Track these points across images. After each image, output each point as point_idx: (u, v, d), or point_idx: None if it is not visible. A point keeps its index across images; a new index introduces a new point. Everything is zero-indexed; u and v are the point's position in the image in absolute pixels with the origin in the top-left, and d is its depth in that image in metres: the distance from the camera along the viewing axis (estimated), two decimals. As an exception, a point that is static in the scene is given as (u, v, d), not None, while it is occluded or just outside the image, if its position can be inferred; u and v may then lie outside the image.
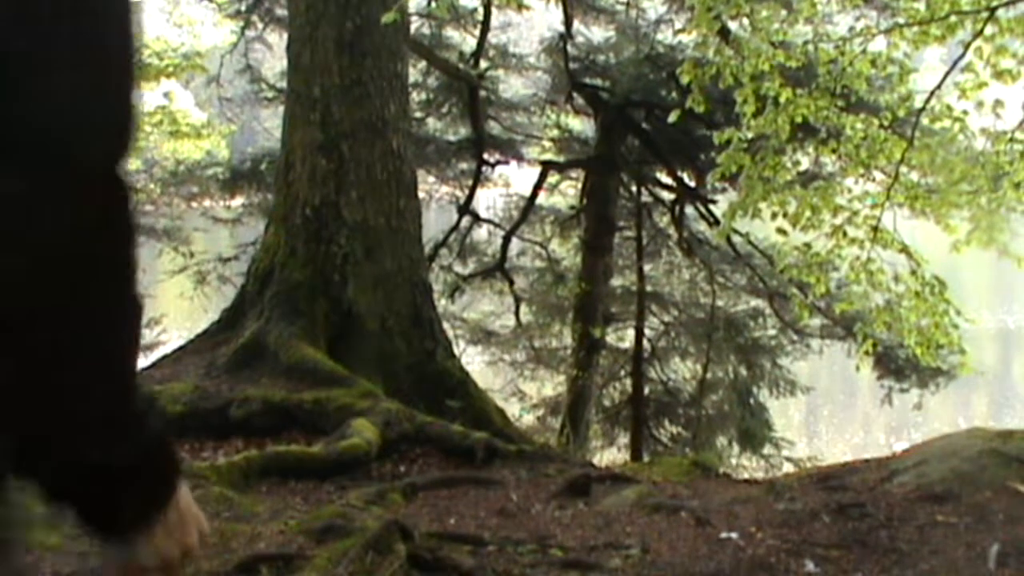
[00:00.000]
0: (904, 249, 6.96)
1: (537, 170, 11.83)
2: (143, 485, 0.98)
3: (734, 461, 10.87)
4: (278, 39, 12.07)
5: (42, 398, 0.87)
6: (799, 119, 6.41)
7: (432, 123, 12.12)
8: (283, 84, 9.22)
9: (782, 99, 6.30)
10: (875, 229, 6.80)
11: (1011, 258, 7.59)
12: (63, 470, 0.93)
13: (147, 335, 13.80)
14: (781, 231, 6.96)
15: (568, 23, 10.95)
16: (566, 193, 12.96)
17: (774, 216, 6.81)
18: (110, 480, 0.95)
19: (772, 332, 11.26)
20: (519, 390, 12.28)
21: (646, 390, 11.53)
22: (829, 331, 10.56)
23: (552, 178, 12.22)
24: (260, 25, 12.19)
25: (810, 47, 6.37)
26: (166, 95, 12.64)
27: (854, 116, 6.83)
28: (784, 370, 11.16)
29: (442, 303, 8.86)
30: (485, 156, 11.50)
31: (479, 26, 11.04)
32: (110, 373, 0.91)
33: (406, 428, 5.76)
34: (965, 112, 6.34)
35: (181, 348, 7.49)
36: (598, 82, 11.09)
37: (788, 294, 8.95)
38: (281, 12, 11.32)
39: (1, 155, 0.80)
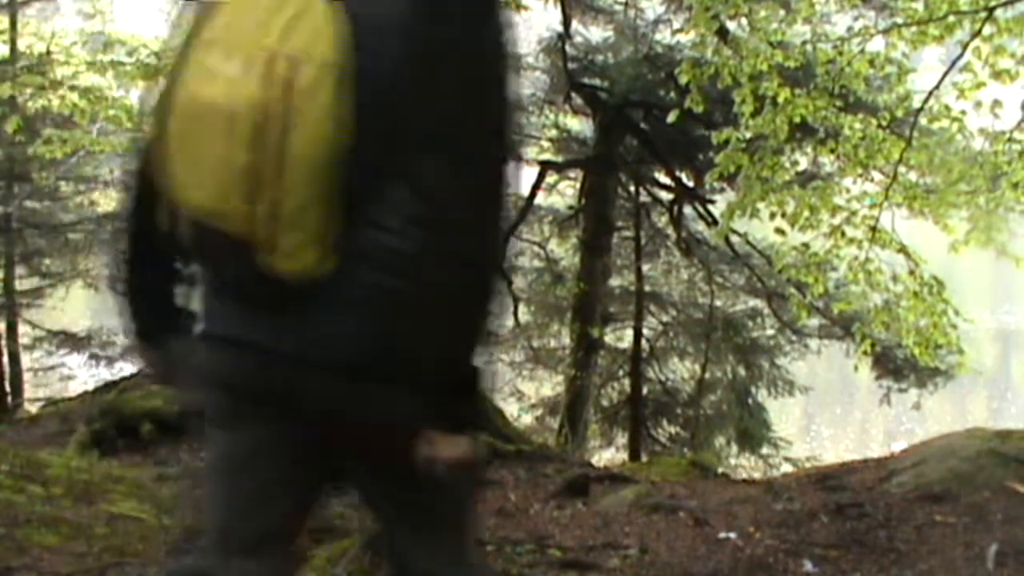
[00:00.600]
0: (902, 249, 6.97)
1: (535, 170, 11.82)
2: (474, 400, 1.53)
3: (732, 461, 10.88)
4: (277, 39, 12.06)
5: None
6: (797, 119, 6.41)
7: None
8: (281, 84, 9.20)
9: (780, 99, 6.30)
10: (873, 229, 6.80)
11: (1009, 258, 7.60)
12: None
13: (145, 335, 13.79)
14: (779, 231, 6.96)
15: (566, 23, 10.94)
16: (564, 193, 12.96)
17: (772, 216, 6.81)
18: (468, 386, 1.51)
19: (770, 332, 11.26)
20: (517, 390, 12.28)
21: (644, 390, 11.53)
22: (827, 331, 10.57)
23: (550, 178, 12.22)
24: (258, 25, 12.18)
25: (808, 47, 6.37)
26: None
27: (852, 116, 6.83)
28: (782, 370, 11.16)
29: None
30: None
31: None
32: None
33: (405, 428, 5.76)
34: (963, 112, 6.34)
35: (179, 348, 7.49)
36: (596, 82, 11.09)
37: (786, 294, 8.96)
38: (279, 12, 11.31)
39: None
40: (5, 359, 12.76)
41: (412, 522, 1.68)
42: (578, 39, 11.24)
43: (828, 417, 19.20)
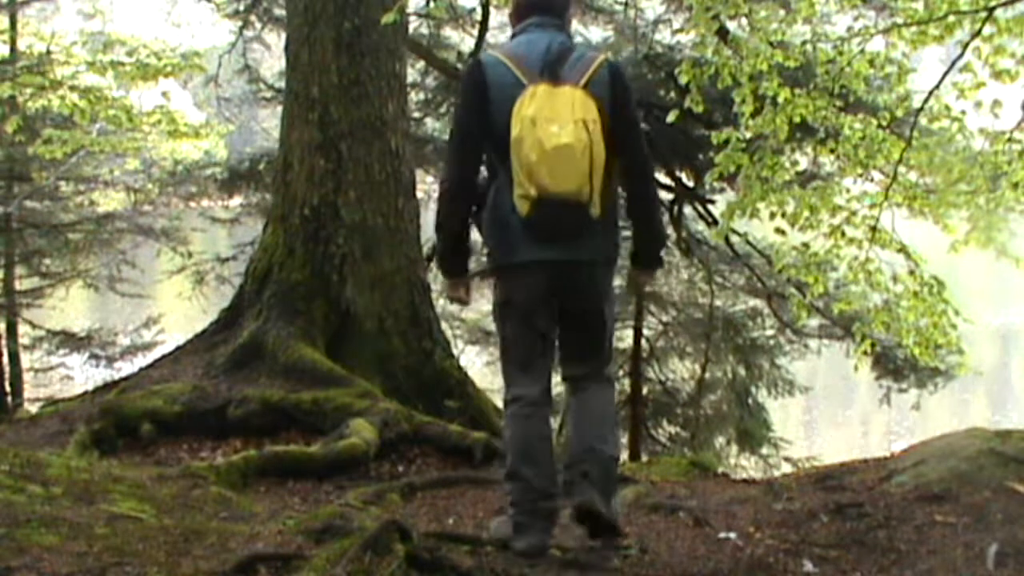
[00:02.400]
0: (902, 249, 6.97)
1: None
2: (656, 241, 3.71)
3: (732, 461, 10.89)
4: (276, 39, 12.08)
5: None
6: (797, 119, 6.41)
7: (431, 123, 12.12)
8: (281, 84, 9.22)
9: (780, 99, 6.30)
10: (873, 229, 6.80)
11: (1009, 258, 7.60)
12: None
13: (145, 335, 13.81)
14: (779, 231, 6.96)
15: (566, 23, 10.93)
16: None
17: (772, 216, 6.81)
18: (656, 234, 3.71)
19: (770, 332, 11.27)
20: (517, 390, 12.24)
21: (644, 390, 11.53)
22: (827, 331, 10.57)
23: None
24: (258, 25, 12.20)
25: (808, 47, 6.37)
26: (164, 95, 12.62)
27: (852, 116, 6.84)
28: (782, 370, 11.17)
29: (440, 303, 8.84)
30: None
31: (477, 26, 11.04)
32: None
33: (404, 428, 5.77)
34: (963, 112, 6.34)
35: (179, 348, 7.49)
36: (596, 82, 11.07)
37: (786, 294, 8.97)
38: (279, 12, 11.32)
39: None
40: (5, 359, 12.78)
41: (595, 342, 3.57)
42: (578, 39, 11.24)
43: (828, 417, 19.20)
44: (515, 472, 3.43)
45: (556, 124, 3.26)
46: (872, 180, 8.21)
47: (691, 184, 10.76)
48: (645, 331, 11.57)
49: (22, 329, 13.26)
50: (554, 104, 3.29)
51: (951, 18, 5.77)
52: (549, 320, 3.48)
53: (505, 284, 3.51)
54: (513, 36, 3.65)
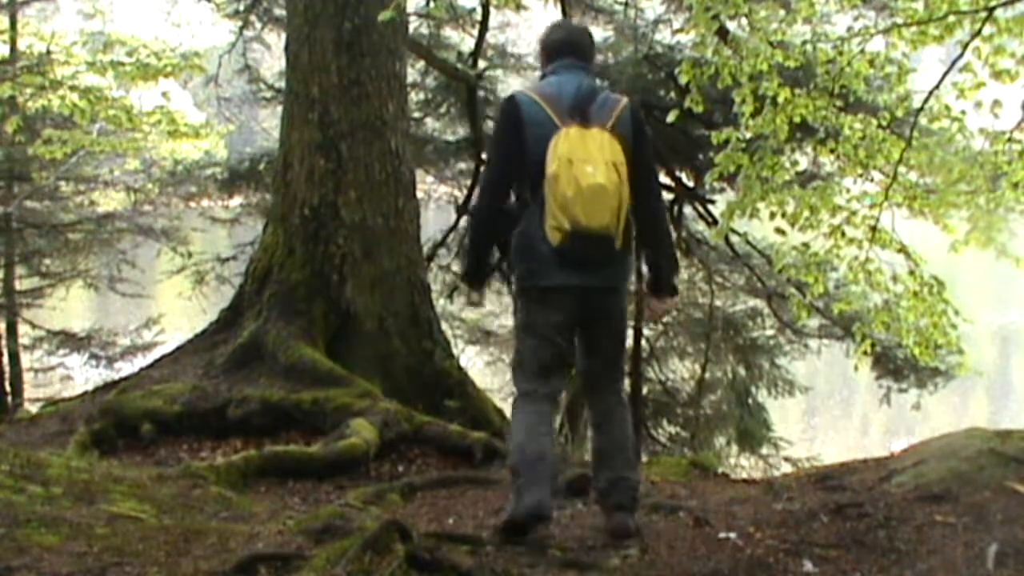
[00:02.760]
0: (902, 249, 6.97)
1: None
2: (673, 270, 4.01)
3: (732, 461, 10.88)
4: (276, 39, 12.08)
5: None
6: (797, 119, 6.41)
7: (431, 123, 12.12)
8: (281, 84, 9.22)
9: (780, 99, 6.30)
10: (873, 229, 6.80)
11: (1009, 258, 7.59)
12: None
13: (145, 335, 13.81)
14: (779, 231, 6.96)
15: (567, 23, 10.94)
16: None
17: (772, 216, 6.81)
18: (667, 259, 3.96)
19: (770, 332, 11.27)
20: (518, 390, 12.24)
21: (644, 390, 11.53)
22: (827, 331, 10.57)
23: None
24: (258, 25, 12.19)
25: (808, 47, 6.37)
26: (164, 95, 12.62)
27: (852, 116, 6.83)
28: (782, 370, 11.16)
29: (440, 303, 8.86)
30: (483, 156, 11.49)
31: (477, 26, 11.04)
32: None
33: (404, 428, 5.77)
34: (963, 112, 6.34)
35: (179, 348, 7.49)
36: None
37: (786, 294, 8.96)
38: (279, 12, 11.32)
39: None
40: (5, 359, 12.78)
41: (611, 357, 3.91)
42: (578, 39, 11.22)
43: (828, 417, 19.20)
44: (518, 448, 3.70)
45: (591, 165, 3.58)
46: (872, 180, 8.21)
47: (691, 184, 10.76)
48: (645, 331, 11.57)
49: (22, 329, 13.26)
50: (587, 145, 3.62)
51: (951, 18, 5.77)
52: (568, 340, 3.83)
53: (534, 303, 3.80)
54: (543, 76, 3.95)
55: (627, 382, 11.36)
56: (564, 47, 3.92)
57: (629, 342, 11.36)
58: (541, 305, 3.76)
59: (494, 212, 3.85)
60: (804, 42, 6.47)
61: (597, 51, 11.26)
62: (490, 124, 11.74)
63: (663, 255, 3.92)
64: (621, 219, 3.65)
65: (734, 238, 10.00)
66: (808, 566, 3.38)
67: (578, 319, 3.79)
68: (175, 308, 14.74)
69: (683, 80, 6.12)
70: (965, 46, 5.86)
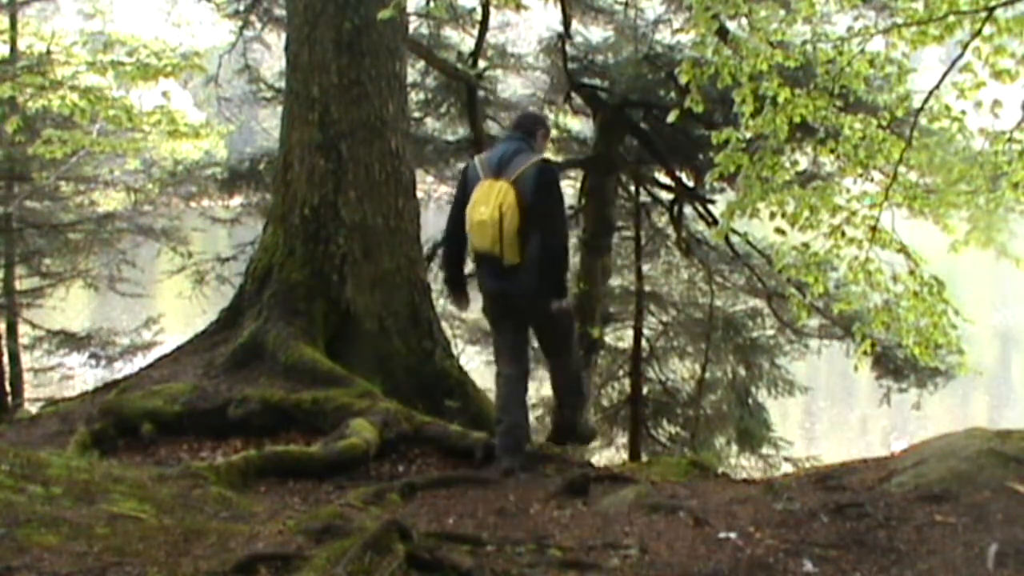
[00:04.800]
0: (902, 249, 6.96)
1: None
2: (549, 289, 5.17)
3: (732, 461, 10.89)
4: (276, 39, 12.09)
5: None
6: (797, 119, 6.41)
7: (431, 123, 12.13)
8: (281, 84, 9.22)
9: (780, 99, 6.30)
10: (873, 229, 6.80)
11: (1009, 258, 7.59)
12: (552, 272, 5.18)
13: (145, 335, 13.82)
14: (779, 231, 6.96)
15: (566, 23, 10.95)
16: (565, 193, 12.94)
17: (772, 216, 6.81)
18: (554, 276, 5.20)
19: (770, 332, 11.27)
20: (518, 390, 12.24)
21: (644, 390, 11.54)
22: (827, 331, 10.57)
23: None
24: (258, 25, 12.20)
25: (808, 47, 6.37)
26: (164, 95, 12.62)
27: (852, 116, 6.83)
28: (782, 370, 11.17)
29: (440, 303, 8.83)
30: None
31: (477, 26, 11.04)
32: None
33: (404, 428, 5.76)
34: (963, 112, 6.34)
35: (179, 348, 7.49)
36: (596, 82, 11.10)
37: (786, 294, 8.95)
38: (279, 12, 11.32)
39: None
40: (5, 359, 12.78)
41: (548, 342, 5.51)
42: (578, 39, 11.25)
43: (828, 417, 19.21)
44: (497, 420, 5.44)
45: (483, 206, 5.13)
46: (872, 180, 8.21)
47: (691, 184, 10.76)
48: (645, 331, 11.58)
49: (22, 329, 13.27)
50: (487, 192, 5.15)
51: (951, 18, 5.76)
52: (516, 328, 5.45)
53: (484, 302, 5.56)
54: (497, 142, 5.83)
55: (628, 382, 11.39)
56: (514, 125, 5.64)
57: (624, 340, 11.37)
58: (486, 304, 5.55)
59: (453, 240, 5.53)
60: (804, 42, 6.47)
61: (597, 51, 11.35)
62: (490, 124, 11.76)
63: (544, 271, 5.16)
64: (504, 245, 5.10)
65: (734, 238, 10.00)
66: (808, 566, 3.38)
67: (508, 314, 5.41)
68: (175, 308, 14.75)
69: (683, 80, 6.12)
70: (965, 46, 5.86)
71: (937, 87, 6.30)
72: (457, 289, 5.65)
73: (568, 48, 10.83)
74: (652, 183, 11.32)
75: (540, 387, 12.44)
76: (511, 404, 5.35)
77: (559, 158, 12.28)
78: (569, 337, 5.55)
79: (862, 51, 6.22)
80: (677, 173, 10.81)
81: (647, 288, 11.44)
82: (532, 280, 5.12)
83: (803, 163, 8.67)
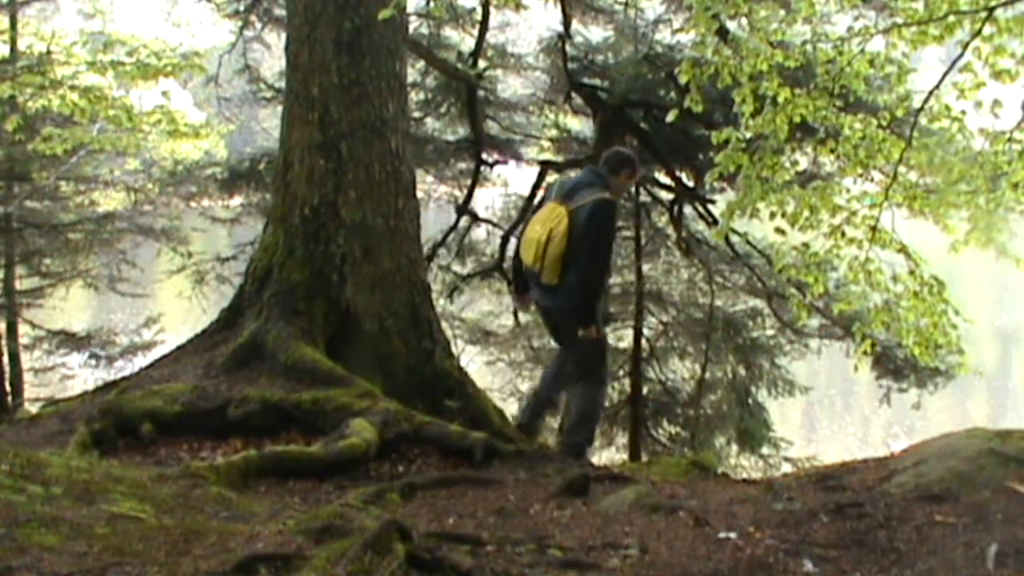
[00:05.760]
0: (903, 249, 6.96)
1: (536, 170, 11.83)
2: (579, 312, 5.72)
3: (732, 461, 10.90)
4: (276, 39, 12.09)
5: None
6: (797, 119, 6.41)
7: (431, 123, 12.13)
8: (281, 84, 9.22)
9: (780, 99, 6.30)
10: (873, 229, 6.80)
11: (1009, 258, 7.59)
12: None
13: (145, 335, 13.82)
14: (779, 231, 6.95)
15: (566, 23, 10.95)
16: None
17: (772, 216, 6.81)
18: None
19: (770, 332, 11.27)
20: (518, 390, 12.29)
21: (644, 390, 11.53)
22: (827, 331, 10.57)
23: (550, 178, 12.21)
24: (258, 25, 12.20)
25: (808, 47, 6.37)
26: (164, 95, 12.62)
27: (852, 116, 6.83)
28: (782, 370, 11.17)
29: (441, 303, 8.85)
30: (483, 156, 11.51)
31: (477, 26, 11.04)
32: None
33: (404, 428, 5.76)
34: (963, 112, 6.34)
35: (179, 348, 7.49)
36: (596, 82, 11.10)
37: (786, 294, 8.95)
38: (279, 12, 11.33)
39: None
40: (5, 359, 12.78)
41: (573, 364, 5.98)
42: (578, 39, 11.25)
43: (828, 417, 19.21)
44: (534, 390, 6.62)
45: (538, 225, 5.73)
46: (872, 180, 8.21)
47: (691, 184, 10.76)
48: (645, 331, 11.57)
49: (22, 329, 13.27)
50: (548, 215, 5.72)
51: (951, 18, 5.77)
52: (558, 338, 6.24)
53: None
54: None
55: (628, 382, 11.39)
56: (603, 159, 6.08)
57: (624, 340, 11.39)
58: (537, 310, 6.54)
59: (519, 250, 6.20)
60: (804, 42, 6.48)
61: (597, 51, 11.35)
62: (490, 124, 11.76)
63: (575, 298, 5.67)
64: (546, 263, 5.66)
65: (734, 238, 10.00)
66: (808, 566, 3.38)
67: (551, 325, 6.35)
68: (175, 308, 14.75)
69: (683, 80, 6.12)
70: (965, 46, 5.86)
71: (937, 87, 6.30)
72: (519, 293, 6.41)
73: (568, 48, 10.83)
74: (652, 183, 11.32)
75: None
76: (545, 380, 6.47)
77: (559, 158, 12.30)
78: (595, 368, 5.93)
79: (862, 51, 6.22)
80: (677, 173, 10.81)
81: (647, 288, 11.44)
82: (567, 302, 5.68)
83: (803, 163, 8.67)
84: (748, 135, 6.37)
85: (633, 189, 11.35)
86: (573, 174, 6.06)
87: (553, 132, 12.41)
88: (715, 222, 9.84)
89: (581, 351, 5.84)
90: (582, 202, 5.59)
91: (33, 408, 10.85)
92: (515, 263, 6.28)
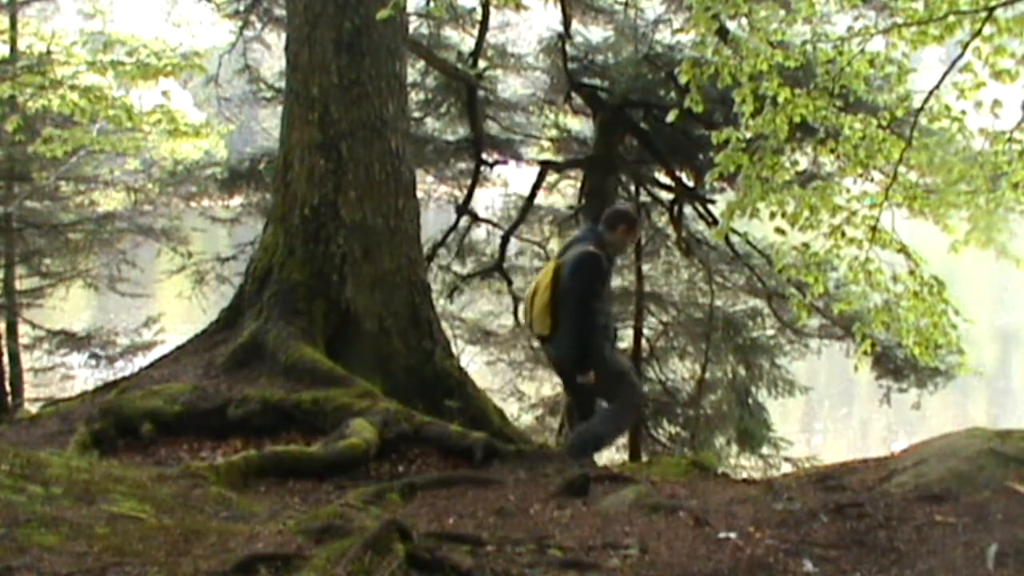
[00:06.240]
0: (903, 249, 6.96)
1: (535, 170, 11.83)
2: (589, 365, 5.84)
3: (732, 461, 10.89)
4: (276, 39, 12.09)
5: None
6: (797, 119, 6.40)
7: (431, 123, 12.13)
8: (281, 84, 9.23)
9: (780, 99, 6.29)
10: (873, 229, 6.80)
11: (1009, 258, 7.59)
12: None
13: (145, 335, 13.82)
14: (779, 231, 6.95)
15: (566, 23, 10.95)
16: (565, 193, 12.97)
17: (772, 216, 6.81)
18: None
19: (770, 332, 11.27)
20: (518, 390, 12.29)
21: (645, 390, 11.51)
22: (827, 331, 10.57)
23: (550, 178, 12.23)
24: (258, 25, 12.21)
25: (808, 47, 6.36)
26: (164, 95, 12.62)
27: (852, 116, 6.83)
28: (783, 370, 11.16)
29: (441, 303, 8.85)
30: (483, 156, 11.50)
31: (477, 26, 11.04)
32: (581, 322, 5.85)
33: (404, 428, 5.77)
34: (963, 112, 6.34)
35: (179, 348, 7.49)
36: (596, 82, 11.09)
37: (786, 294, 8.95)
38: (279, 12, 11.33)
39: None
40: (5, 359, 12.77)
41: (580, 398, 6.19)
42: (578, 39, 11.25)
43: (828, 417, 19.20)
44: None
45: (535, 281, 6.09)
46: (872, 180, 8.21)
47: (691, 184, 10.76)
48: (645, 331, 11.57)
49: (22, 329, 13.27)
50: (545, 270, 6.07)
51: (951, 18, 5.76)
52: (573, 384, 6.11)
53: None
54: None
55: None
56: (603, 216, 6.17)
57: (624, 340, 11.39)
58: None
59: None
60: (804, 42, 6.47)
61: (597, 51, 11.36)
62: (490, 124, 11.77)
63: (565, 347, 5.88)
64: (533, 315, 5.94)
65: (734, 238, 10.00)
66: (808, 566, 3.38)
67: (561, 374, 6.57)
68: (175, 308, 14.74)
69: (683, 80, 6.12)
70: (965, 46, 5.86)
71: (937, 87, 6.30)
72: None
73: (568, 48, 10.82)
74: (652, 183, 11.32)
75: (540, 386, 12.48)
76: (573, 413, 6.78)
77: (559, 158, 12.30)
78: (615, 392, 6.01)
79: (862, 51, 6.21)
80: (677, 173, 10.80)
81: (647, 288, 11.44)
82: (558, 350, 5.97)
83: (803, 163, 8.67)
84: (748, 135, 6.36)
85: (633, 189, 11.37)
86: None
87: (553, 132, 12.41)
88: (715, 222, 9.84)
89: (594, 387, 5.95)
90: (570, 255, 5.83)
91: (33, 408, 10.85)
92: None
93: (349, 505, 4.31)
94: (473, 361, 11.89)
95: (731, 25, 7.27)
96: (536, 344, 6.62)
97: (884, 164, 7.06)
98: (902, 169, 6.80)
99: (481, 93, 11.27)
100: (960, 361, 8.48)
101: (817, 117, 6.51)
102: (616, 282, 11.76)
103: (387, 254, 7.08)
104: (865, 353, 7.84)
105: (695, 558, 3.47)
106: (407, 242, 7.24)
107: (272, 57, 13.34)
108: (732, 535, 3.71)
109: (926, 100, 6.35)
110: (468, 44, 11.58)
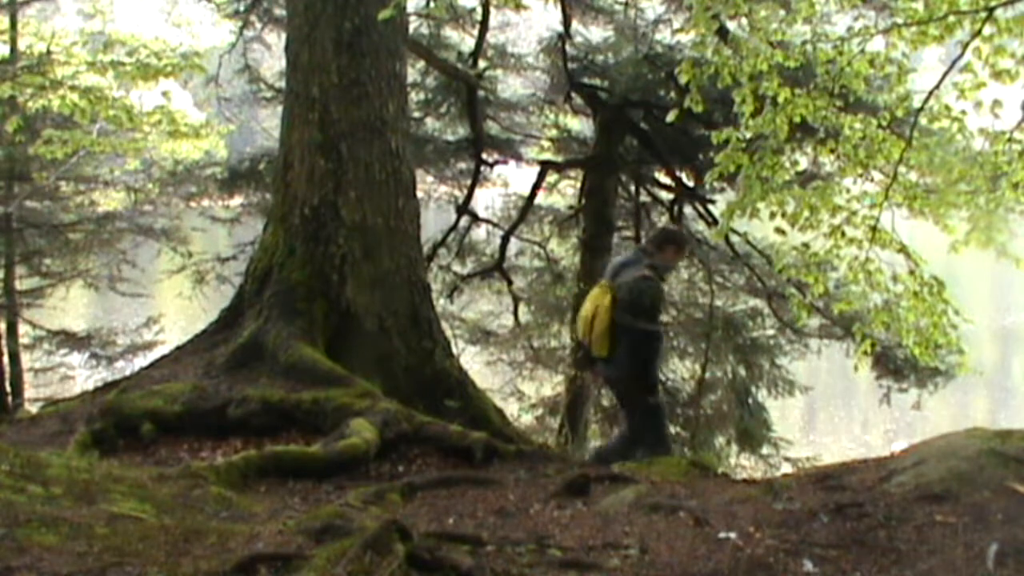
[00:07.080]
0: (903, 249, 6.96)
1: (536, 170, 11.84)
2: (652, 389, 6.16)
3: (732, 461, 10.89)
4: (276, 39, 12.09)
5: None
6: (797, 119, 6.41)
7: (431, 123, 12.13)
8: (281, 84, 9.23)
9: (780, 99, 6.30)
10: (873, 229, 6.80)
11: (1009, 258, 7.59)
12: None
13: (145, 335, 13.82)
14: (779, 231, 6.96)
15: (567, 23, 10.95)
16: (565, 193, 12.98)
17: (772, 216, 6.81)
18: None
19: (771, 332, 11.27)
20: (518, 390, 12.29)
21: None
22: (828, 331, 10.57)
23: (551, 178, 12.23)
24: (258, 25, 12.21)
25: (808, 47, 6.36)
26: (164, 95, 12.63)
27: (852, 116, 6.83)
28: (783, 370, 11.17)
29: (441, 303, 8.85)
30: (484, 156, 11.51)
31: (478, 26, 11.05)
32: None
33: (404, 428, 5.76)
34: (963, 112, 6.34)
35: (179, 348, 7.49)
36: (596, 82, 11.10)
37: (786, 294, 8.96)
38: (279, 12, 11.33)
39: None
40: (5, 359, 12.77)
41: (628, 424, 6.30)
42: (578, 39, 11.25)
43: (828, 417, 19.21)
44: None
45: (589, 303, 6.13)
46: (872, 180, 8.21)
47: (691, 184, 10.76)
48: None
49: (22, 329, 13.27)
50: (596, 293, 6.13)
51: (951, 18, 5.77)
52: (624, 401, 6.48)
53: None
54: None
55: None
56: (648, 237, 6.68)
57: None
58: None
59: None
60: (804, 42, 6.47)
61: (597, 51, 11.37)
62: (490, 124, 11.77)
63: (626, 369, 6.02)
64: (595, 336, 6.02)
65: (734, 238, 10.00)
66: (808, 566, 3.38)
67: (612, 392, 7.30)
68: (175, 308, 14.75)
69: (683, 80, 6.12)
70: (965, 46, 5.86)
71: (937, 87, 6.30)
72: (585, 366, 7.01)
73: (568, 48, 10.83)
74: (652, 183, 11.32)
75: (540, 386, 12.47)
76: (611, 442, 6.95)
77: (559, 158, 12.30)
78: (647, 433, 6.13)
79: (862, 51, 6.22)
80: (677, 173, 10.81)
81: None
82: (618, 371, 6.09)
83: (803, 163, 8.67)
84: (748, 135, 6.37)
85: (633, 189, 11.37)
86: (617, 257, 6.75)
87: (553, 132, 12.42)
88: (715, 222, 9.84)
89: (635, 417, 6.18)
90: (624, 279, 5.97)
91: (33, 408, 10.85)
92: (574, 338, 7.31)
93: (349, 505, 4.31)
94: (473, 361, 11.88)
95: (731, 25, 7.28)
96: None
97: (884, 164, 7.07)
98: (902, 169, 6.80)
99: (481, 93, 11.27)
100: (960, 361, 8.48)
101: (817, 117, 6.51)
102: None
103: (387, 254, 7.08)
104: (865, 353, 7.84)
105: (695, 558, 3.47)
106: (407, 242, 7.24)
107: (272, 57, 13.34)
108: (732, 535, 3.71)
109: (926, 100, 6.35)
110: (468, 44, 11.59)
